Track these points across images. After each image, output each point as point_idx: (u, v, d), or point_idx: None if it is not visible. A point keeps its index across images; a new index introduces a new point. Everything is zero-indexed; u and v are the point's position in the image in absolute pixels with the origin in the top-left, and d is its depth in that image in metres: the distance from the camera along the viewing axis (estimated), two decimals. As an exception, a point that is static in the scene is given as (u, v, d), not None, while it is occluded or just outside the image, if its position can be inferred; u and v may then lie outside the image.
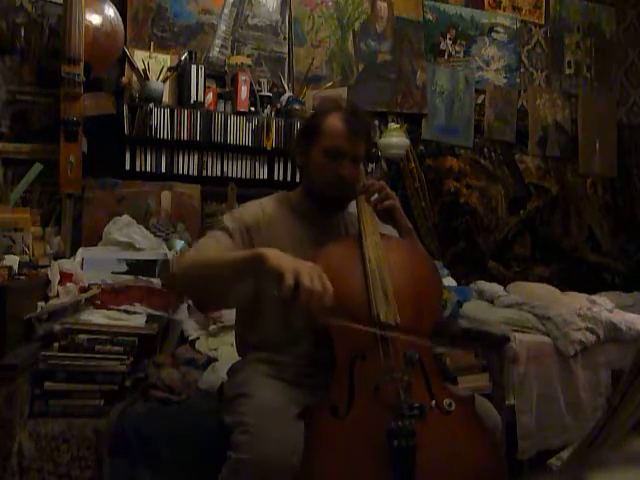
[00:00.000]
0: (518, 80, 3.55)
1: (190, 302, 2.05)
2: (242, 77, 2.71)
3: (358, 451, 1.19)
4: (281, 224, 1.52)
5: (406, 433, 1.17)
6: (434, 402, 1.26)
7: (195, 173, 2.70)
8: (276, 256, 1.20)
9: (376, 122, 3.12)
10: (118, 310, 1.88)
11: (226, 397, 1.50)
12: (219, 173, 2.74)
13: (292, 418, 1.27)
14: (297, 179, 2.78)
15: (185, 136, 2.62)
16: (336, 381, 1.29)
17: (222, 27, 2.89)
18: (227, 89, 2.78)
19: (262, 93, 2.81)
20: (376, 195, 1.55)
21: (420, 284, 1.45)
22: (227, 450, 1.27)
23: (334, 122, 1.50)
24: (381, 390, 1.24)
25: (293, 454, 1.19)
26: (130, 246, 2.34)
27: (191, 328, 2.17)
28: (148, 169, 2.62)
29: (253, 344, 1.53)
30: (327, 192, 1.52)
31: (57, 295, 1.93)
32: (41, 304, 1.86)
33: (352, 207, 1.60)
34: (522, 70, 3.57)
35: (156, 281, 2.18)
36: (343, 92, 2.99)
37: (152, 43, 2.70)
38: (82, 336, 1.70)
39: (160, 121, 2.57)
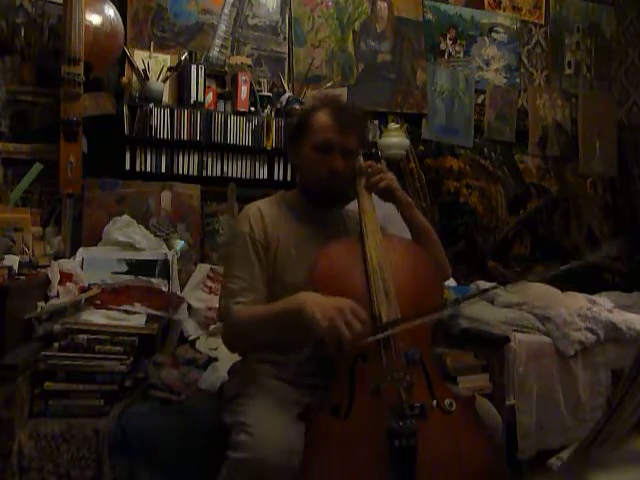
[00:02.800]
0: (518, 80, 3.55)
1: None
2: (242, 77, 2.71)
3: (359, 451, 1.19)
4: (282, 226, 1.52)
5: (407, 433, 1.17)
6: (435, 402, 1.26)
7: (195, 173, 2.69)
8: (311, 308, 1.23)
9: (376, 122, 3.12)
10: (118, 310, 1.87)
11: (226, 397, 1.50)
12: (219, 173, 2.73)
13: (292, 418, 1.27)
14: (297, 179, 2.78)
15: (185, 136, 2.61)
16: (337, 381, 1.29)
17: (222, 27, 2.88)
18: (227, 89, 2.78)
19: (262, 93, 2.81)
20: (374, 176, 1.55)
21: (421, 283, 1.45)
22: (227, 450, 1.27)
23: (321, 117, 1.51)
24: (382, 390, 1.24)
25: (293, 454, 1.19)
26: (130, 246, 2.34)
27: (191, 328, 2.17)
28: (148, 169, 2.62)
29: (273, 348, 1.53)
30: (321, 187, 1.52)
31: (57, 295, 1.93)
32: (41, 304, 1.86)
33: (353, 205, 1.60)
34: (522, 70, 3.57)
35: (156, 281, 2.18)
36: (343, 92, 2.99)
37: (152, 43, 2.70)
38: (82, 336, 1.70)
39: (160, 121, 2.57)
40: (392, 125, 3.08)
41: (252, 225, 1.49)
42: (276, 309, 1.35)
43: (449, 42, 3.38)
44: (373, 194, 1.56)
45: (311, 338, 1.25)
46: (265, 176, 2.80)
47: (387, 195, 1.56)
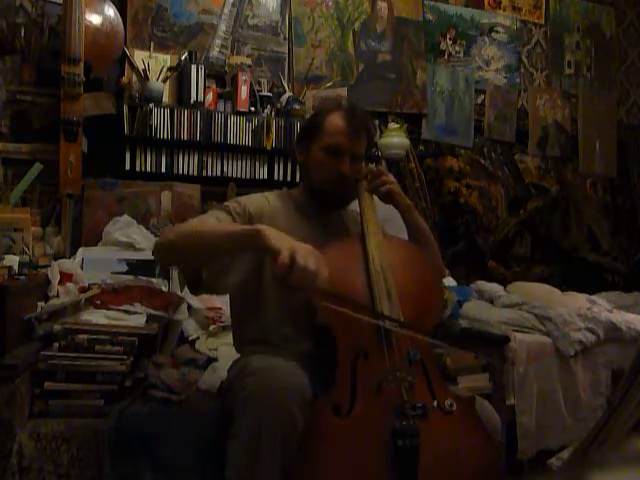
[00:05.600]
0: (518, 80, 3.55)
1: (182, 276, 2.00)
2: (242, 77, 2.71)
3: (361, 449, 1.19)
4: (283, 219, 1.52)
5: (410, 433, 1.17)
6: (436, 402, 1.26)
7: (195, 173, 2.69)
8: (274, 234, 1.19)
9: (376, 122, 3.12)
10: (118, 310, 1.87)
11: (226, 385, 1.50)
12: (219, 173, 2.73)
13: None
14: (297, 179, 2.78)
15: (185, 136, 2.62)
16: (338, 380, 1.29)
17: (222, 27, 2.88)
18: (227, 89, 2.78)
19: (262, 93, 2.81)
20: (376, 180, 1.56)
21: (422, 284, 1.45)
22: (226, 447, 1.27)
23: (334, 120, 1.52)
24: (384, 389, 1.24)
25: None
26: (130, 246, 2.34)
27: (191, 328, 2.16)
28: (148, 169, 2.62)
29: (250, 340, 1.52)
30: (327, 189, 1.53)
31: (57, 295, 1.93)
32: (41, 304, 1.86)
33: (353, 205, 1.61)
34: (522, 70, 3.58)
35: (156, 281, 2.18)
36: (343, 92, 2.99)
37: (152, 43, 2.70)
38: (82, 336, 1.69)
39: (160, 121, 2.57)
40: (392, 125, 3.08)
41: (239, 208, 1.48)
42: (229, 226, 1.34)
43: (449, 42, 3.38)
44: (374, 196, 1.58)
45: (254, 264, 1.20)
46: (265, 176, 2.80)
47: (388, 198, 1.58)
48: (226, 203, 1.52)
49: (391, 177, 1.60)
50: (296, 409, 1.17)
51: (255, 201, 1.53)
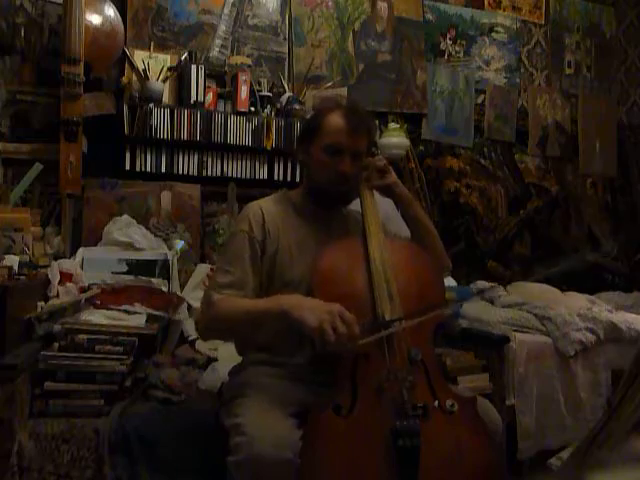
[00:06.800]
0: (518, 80, 3.55)
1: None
2: (242, 77, 2.71)
3: (362, 450, 1.20)
4: (284, 225, 1.52)
5: (411, 433, 1.17)
6: (437, 402, 1.26)
7: (195, 173, 2.69)
8: (297, 310, 1.24)
9: (376, 122, 3.11)
10: (118, 310, 1.88)
11: (224, 399, 1.50)
12: (219, 173, 2.73)
13: (284, 413, 1.28)
14: (297, 179, 2.79)
15: (185, 136, 2.61)
16: (339, 380, 1.29)
17: (222, 27, 2.88)
18: (227, 89, 2.77)
19: (262, 93, 2.81)
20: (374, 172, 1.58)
21: (424, 285, 1.45)
22: (227, 454, 1.27)
23: (334, 119, 1.51)
24: (385, 389, 1.24)
25: (286, 448, 1.20)
26: (130, 246, 2.34)
27: (191, 328, 2.16)
28: (148, 169, 2.62)
29: (253, 345, 1.53)
30: (328, 189, 1.52)
31: (57, 295, 1.93)
32: (41, 304, 1.86)
33: (355, 205, 1.60)
34: (522, 70, 3.57)
35: (156, 281, 2.18)
36: (343, 92, 2.99)
37: (152, 43, 2.70)
38: (82, 336, 1.70)
39: (160, 121, 2.57)
40: (392, 125, 3.08)
41: (252, 224, 1.49)
42: (259, 307, 1.35)
43: (449, 42, 3.38)
44: (375, 192, 1.57)
45: (295, 338, 1.25)
46: (265, 176, 2.80)
47: (387, 191, 1.57)
48: (240, 228, 1.50)
49: (390, 169, 1.59)
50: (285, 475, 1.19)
51: (255, 222, 1.50)
